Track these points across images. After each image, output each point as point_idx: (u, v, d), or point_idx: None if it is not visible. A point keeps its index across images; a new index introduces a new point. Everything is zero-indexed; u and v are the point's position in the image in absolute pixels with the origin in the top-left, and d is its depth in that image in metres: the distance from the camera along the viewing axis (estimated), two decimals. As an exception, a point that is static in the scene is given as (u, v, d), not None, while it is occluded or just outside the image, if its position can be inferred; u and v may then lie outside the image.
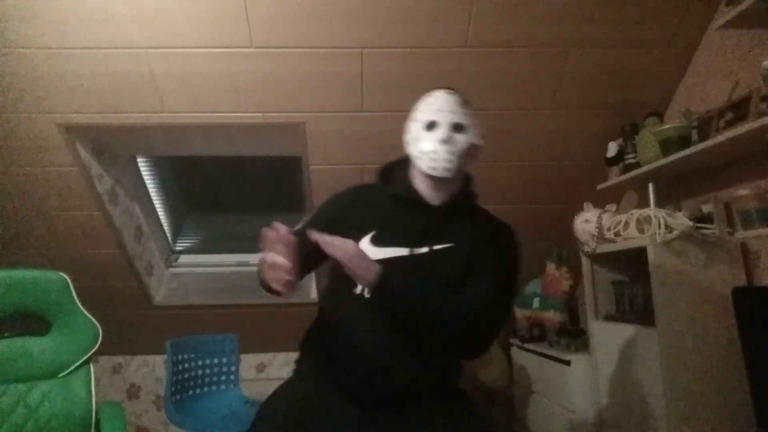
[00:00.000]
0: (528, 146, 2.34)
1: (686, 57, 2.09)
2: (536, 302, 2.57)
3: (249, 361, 3.15)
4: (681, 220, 1.73)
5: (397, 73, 2.04)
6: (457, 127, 1.15)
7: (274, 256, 0.97)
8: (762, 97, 1.55)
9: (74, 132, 2.15)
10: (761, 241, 1.71)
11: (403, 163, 1.24)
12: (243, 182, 2.90)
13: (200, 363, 2.57)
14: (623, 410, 1.88)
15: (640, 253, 1.74)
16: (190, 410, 2.36)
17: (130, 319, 2.90)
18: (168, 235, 3.00)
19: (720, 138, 1.64)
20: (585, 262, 2.16)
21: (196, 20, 1.84)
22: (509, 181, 2.44)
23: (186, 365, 2.49)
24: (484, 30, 1.93)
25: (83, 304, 1.77)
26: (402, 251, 1.13)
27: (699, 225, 1.78)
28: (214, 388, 2.59)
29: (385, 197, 1.21)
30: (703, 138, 1.80)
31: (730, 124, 1.68)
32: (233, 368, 2.65)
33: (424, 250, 1.13)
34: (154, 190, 2.78)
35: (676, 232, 1.70)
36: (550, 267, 2.53)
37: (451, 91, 1.20)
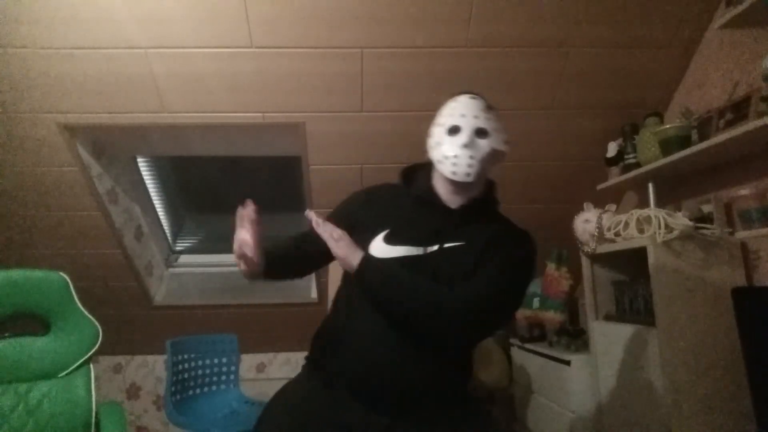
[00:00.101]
0: (528, 146, 2.34)
1: (686, 57, 2.09)
2: (536, 302, 2.57)
3: (249, 361, 3.15)
4: (681, 220, 1.73)
5: (397, 73, 2.04)
6: (480, 132, 1.14)
7: (240, 231, 1.04)
8: (762, 97, 1.56)
9: (74, 132, 2.15)
10: (761, 241, 1.71)
11: (427, 166, 1.23)
12: (243, 182, 2.90)
13: (200, 363, 2.57)
14: (623, 410, 1.88)
15: (640, 253, 1.74)
16: (190, 410, 2.36)
17: (130, 319, 2.90)
18: (168, 235, 3.00)
19: (720, 138, 1.64)
20: (585, 262, 2.16)
21: (196, 20, 1.84)
22: (509, 181, 2.43)
23: (186, 365, 2.50)
24: (484, 30, 1.93)
25: (83, 304, 1.77)
26: (414, 250, 1.12)
27: (699, 225, 1.78)
28: (214, 388, 2.59)
29: (404, 198, 1.21)
30: (703, 138, 1.80)
31: (730, 124, 1.68)
32: (233, 368, 2.65)
33: (435, 248, 1.13)
34: (154, 190, 2.78)
35: (676, 232, 1.70)
36: (550, 267, 2.53)
37: (475, 95, 1.19)
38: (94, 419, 1.69)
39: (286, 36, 1.91)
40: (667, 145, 1.88)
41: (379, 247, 1.13)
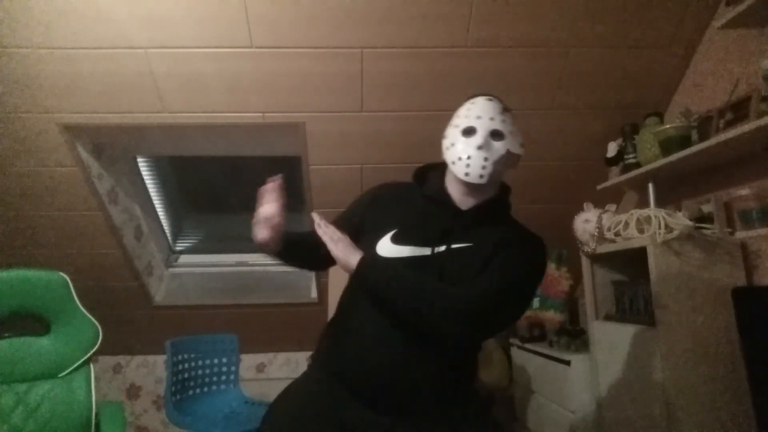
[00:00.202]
0: (528, 146, 2.30)
1: (686, 57, 2.09)
2: (536, 302, 2.57)
3: (249, 361, 3.15)
4: (681, 220, 1.73)
5: (397, 73, 2.04)
6: (496, 134, 1.13)
7: (266, 203, 1.12)
8: (762, 97, 1.55)
9: (74, 132, 2.15)
10: (761, 241, 1.71)
11: (440, 166, 1.22)
12: (243, 182, 2.90)
13: (200, 363, 2.57)
14: (623, 410, 1.88)
15: (640, 253, 1.74)
16: (190, 410, 2.36)
17: (130, 319, 2.90)
18: (168, 235, 3.00)
19: (720, 138, 1.64)
20: (585, 262, 2.15)
21: (196, 20, 1.84)
22: (509, 181, 2.43)
23: (186, 365, 2.50)
24: (484, 30, 1.93)
25: (83, 304, 1.77)
26: (421, 251, 1.12)
27: (699, 225, 1.78)
28: (214, 388, 2.59)
29: (416, 197, 1.21)
30: (703, 138, 1.80)
31: (730, 124, 1.68)
32: (233, 368, 2.65)
33: (442, 248, 1.12)
34: (154, 190, 2.78)
35: (676, 232, 1.69)
36: (550, 267, 2.53)
37: (492, 97, 1.18)
38: (94, 419, 1.69)
39: (286, 36, 1.91)
40: (667, 145, 1.88)
41: (386, 247, 1.13)
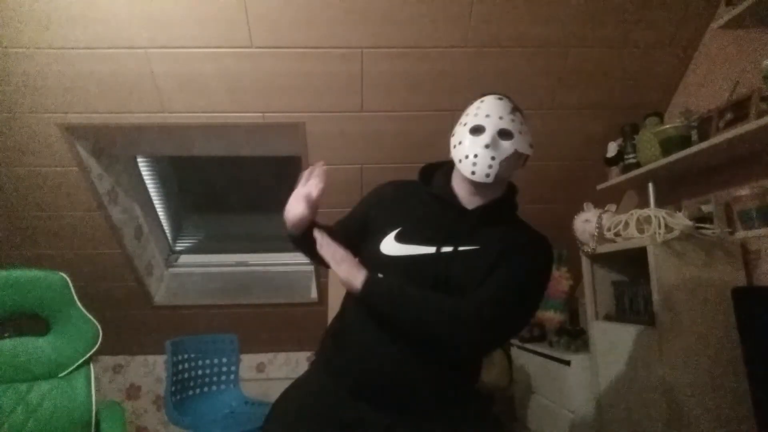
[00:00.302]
0: (528, 146, 2.33)
1: (686, 57, 2.09)
2: (536, 302, 2.57)
3: (249, 361, 3.14)
4: (681, 220, 1.73)
5: (397, 73, 2.04)
6: (504, 134, 1.12)
7: (305, 186, 1.18)
8: (762, 97, 1.56)
9: (74, 132, 2.15)
10: (761, 241, 1.71)
11: (446, 165, 1.22)
12: (243, 182, 2.90)
13: (200, 363, 2.57)
14: (623, 410, 1.88)
15: (640, 253, 1.74)
16: (190, 410, 2.36)
17: (130, 319, 2.90)
18: (168, 235, 2.99)
19: (720, 138, 1.64)
20: (585, 262, 2.16)
21: (196, 20, 1.84)
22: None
23: (186, 365, 2.50)
24: (484, 30, 1.93)
25: (83, 304, 1.77)
26: (426, 249, 1.11)
27: (699, 225, 1.78)
28: (214, 388, 2.59)
29: (421, 196, 1.20)
30: (703, 138, 1.80)
31: (730, 124, 1.68)
32: (233, 368, 2.66)
33: (449, 249, 1.11)
34: (154, 190, 2.78)
35: (676, 232, 1.69)
36: (550, 267, 2.53)
37: (502, 96, 1.18)
38: (94, 419, 1.69)
39: (286, 36, 1.91)
40: (667, 145, 1.88)
41: (391, 245, 1.13)
